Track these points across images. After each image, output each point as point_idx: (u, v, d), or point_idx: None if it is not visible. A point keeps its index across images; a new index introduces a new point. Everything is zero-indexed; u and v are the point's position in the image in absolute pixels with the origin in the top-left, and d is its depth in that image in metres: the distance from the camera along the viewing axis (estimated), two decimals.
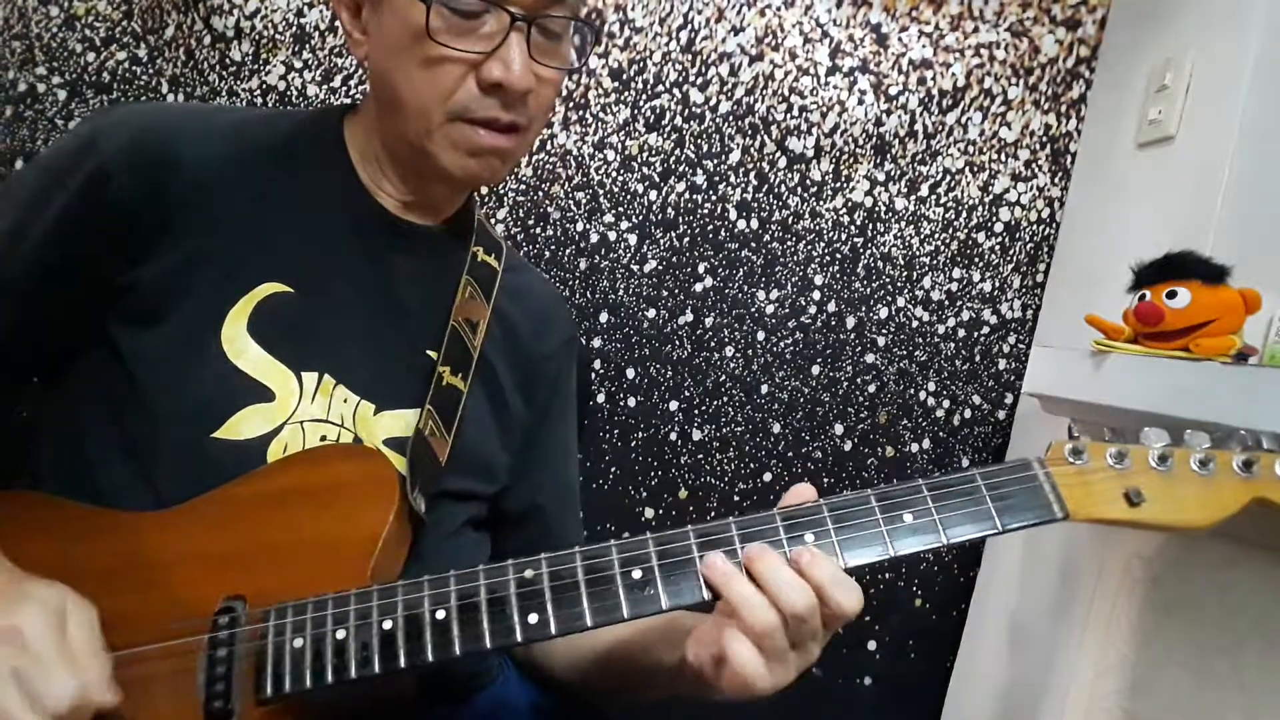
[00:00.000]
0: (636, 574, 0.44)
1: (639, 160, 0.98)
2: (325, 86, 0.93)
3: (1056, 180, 1.02)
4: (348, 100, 0.94)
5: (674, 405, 1.00)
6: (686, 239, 0.99)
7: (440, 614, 0.44)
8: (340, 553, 0.48)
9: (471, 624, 0.44)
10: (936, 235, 1.02)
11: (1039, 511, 0.45)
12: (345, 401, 0.54)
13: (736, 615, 0.42)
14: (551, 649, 0.62)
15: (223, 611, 0.46)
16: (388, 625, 0.44)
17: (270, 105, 0.93)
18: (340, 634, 0.44)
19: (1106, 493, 0.46)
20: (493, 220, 0.98)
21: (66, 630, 0.41)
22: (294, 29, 0.92)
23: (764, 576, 0.42)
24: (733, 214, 1.00)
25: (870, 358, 1.02)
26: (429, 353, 0.58)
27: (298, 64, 0.93)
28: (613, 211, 0.98)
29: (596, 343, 0.98)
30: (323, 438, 0.53)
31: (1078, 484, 0.46)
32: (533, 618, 0.44)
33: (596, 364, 0.98)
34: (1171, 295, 0.70)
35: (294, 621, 0.45)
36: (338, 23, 0.93)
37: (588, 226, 0.98)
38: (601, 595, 0.44)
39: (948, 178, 1.01)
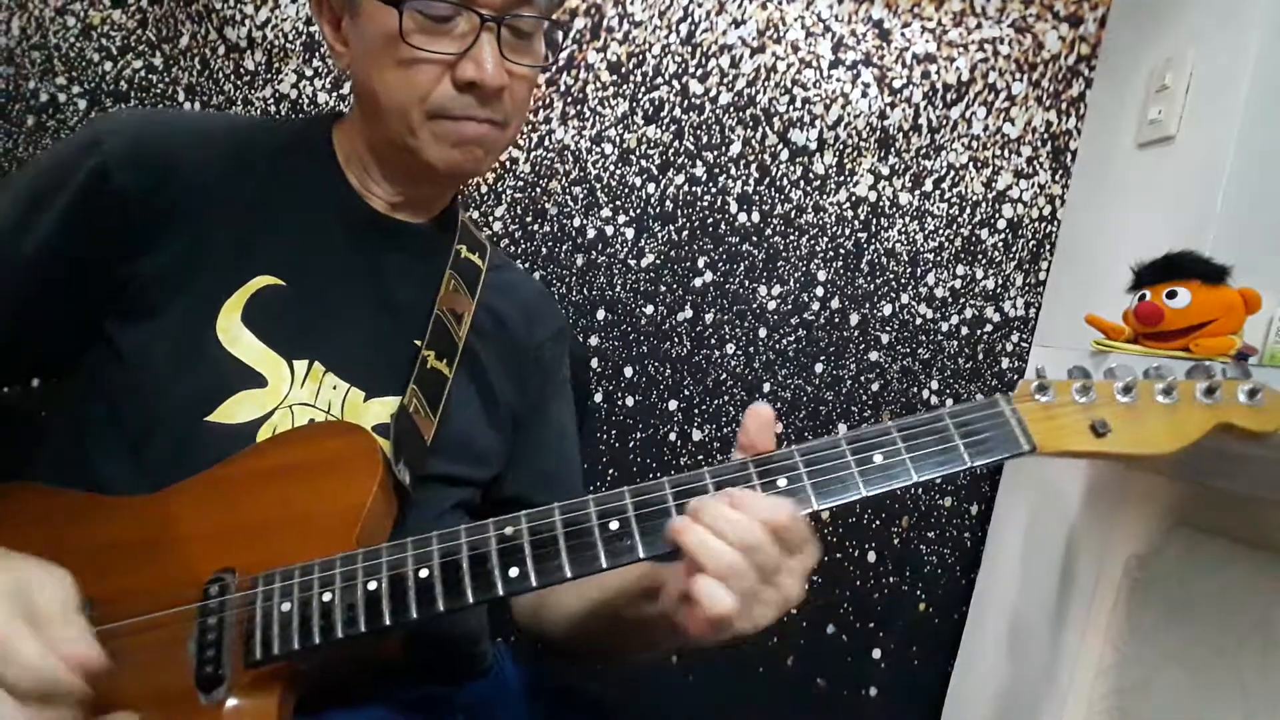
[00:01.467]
0: (614, 525, 0.47)
1: (637, 154, 1.01)
2: (335, 94, 0.99)
3: (1057, 178, 1.04)
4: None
5: (673, 404, 1.04)
6: (685, 232, 1.03)
7: (424, 572, 0.47)
8: (326, 523, 0.51)
9: (454, 581, 0.46)
10: (940, 231, 1.04)
11: (1007, 446, 0.47)
12: (335, 389, 0.58)
13: (699, 561, 0.44)
14: (545, 614, 0.66)
15: (213, 582, 0.49)
16: (373, 586, 0.47)
17: (283, 113, 0.99)
18: (326, 596, 0.47)
19: (1073, 425, 0.48)
20: (490, 217, 1.02)
21: (35, 602, 0.42)
22: (304, 38, 0.98)
23: (710, 522, 0.45)
24: (733, 207, 1.03)
25: (874, 355, 1.04)
26: (416, 342, 0.61)
27: (308, 72, 0.99)
28: (610, 206, 1.02)
29: (594, 340, 1.02)
30: (311, 422, 0.56)
31: (1044, 418, 0.48)
32: (513, 571, 0.46)
33: (594, 362, 1.02)
34: (1171, 295, 0.72)
35: (281, 587, 0.48)
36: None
37: (584, 221, 1.02)
38: (580, 548, 0.47)
39: (951, 172, 1.04)
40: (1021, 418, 0.48)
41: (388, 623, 0.46)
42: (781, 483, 0.47)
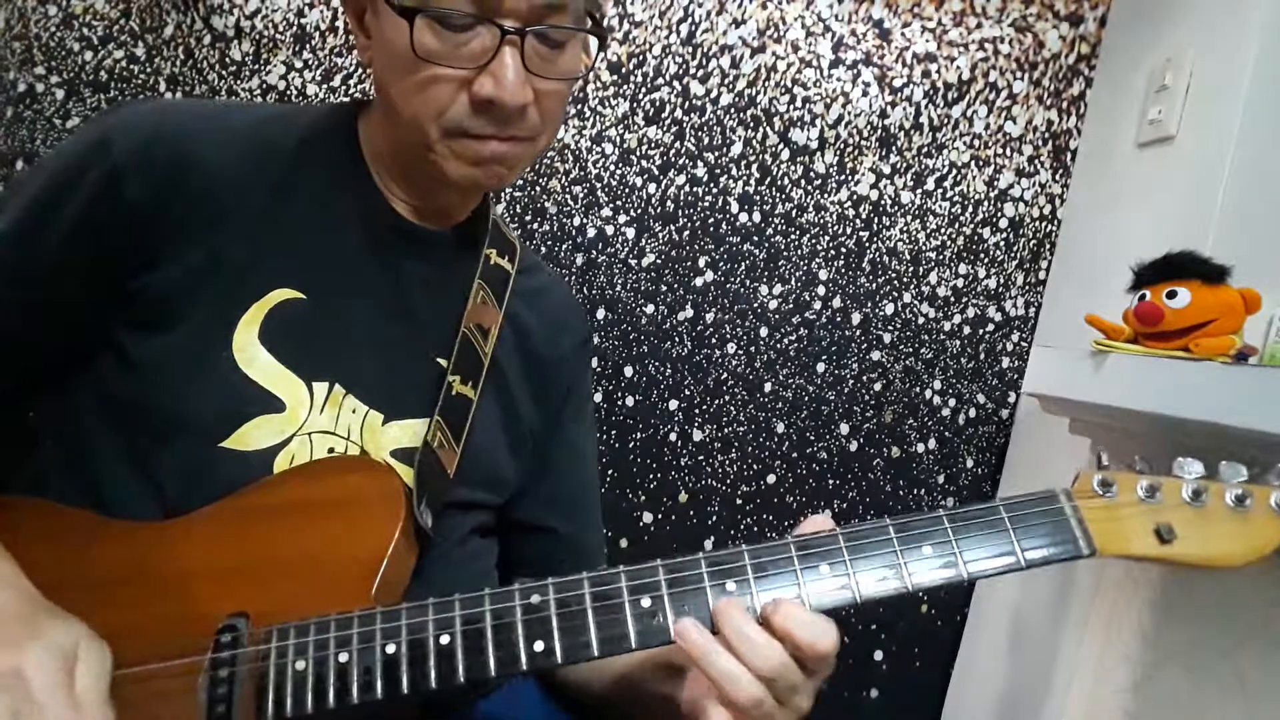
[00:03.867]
0: (645, 602, 0.46)
1: (638, 154, 1.03)
2: (325, 86, 1.00)
3: (1057, 177, 1.07)
4: (350, 99, 1.00)
5: (674, 404, 1.05)
6: (686, 232, 1.04)
7: (445, 639, 0.46)
8: (345, 569, 0.50)
9: (476, 650, 0.46)
10: (942, 230, 1.06)
11: (1065, 548, 0.46)
12: (354, 412, 0.56)
13: (720, 690, 0.43)
14: (560, 674, 0.65)
15: (225, 630, 0.48)
16: (391, 649, 0.46)
17: (270, 105, 0.98)
18: (343, 657, 0.46)
19: (1136, 529, 0.47)
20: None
21: (74, 676, 0.43)
22: (294, 29, 0.98)
23: (731, 638, 0.44)
24: (734, 207, 1.04)
25: (876, 355, 1.07)
26: (439, 360, 0.60)
27: (298, 64, 0.99)
28: (610, 205, 1.03)
29: (594, 340, 1.03)
30: (330, 450, 0.55)
31: (1106, 519, 0.47)
32: (538, 645, 0.46)
33: (594, 362, 1.03)
34: (1171, 295, 0.74)
35: (296, 643, 0.47)
36: (338, 23, 0.99)
37: (585, 221, 1.03)
38: (609, 624, 0.46)
39: (953, 171, 1.06)
40: (1082, 517, 0.47)
41: (404, 690, 0.46)
42: (823, 569, 0.46)
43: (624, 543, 1.06)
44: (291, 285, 0.57)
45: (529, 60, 0.52)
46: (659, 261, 1.04)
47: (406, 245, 0.61)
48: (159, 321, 0.55)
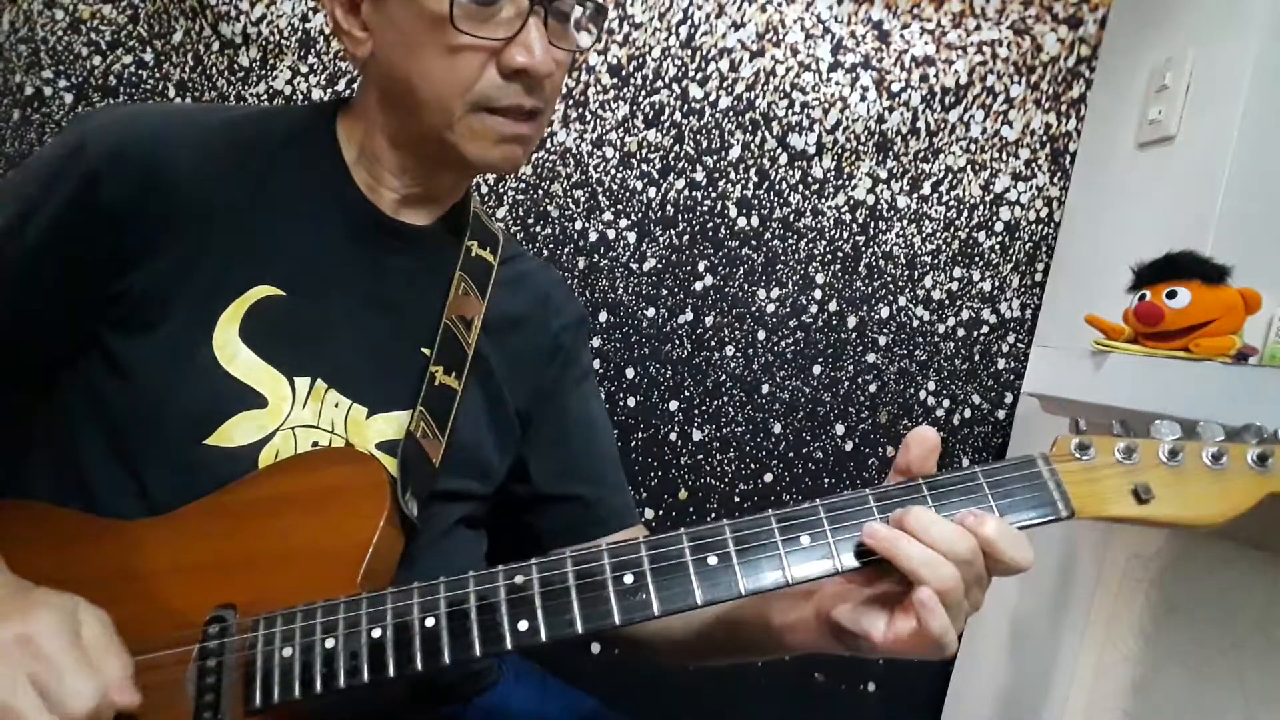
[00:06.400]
0: (628, 579, 0.45)
1: (638, 157, 1.00)
2: (330, 90, 0.96)
3: (1056, 180, 1.03)
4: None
5: (674, 405, 1.02)
6: (686, 237, 1.01)
7: (430, 622, 0.45)
8: (331, 560, 0.49)
9: (461, 632, 0.45)
10: (938, 234, 1.03)
11: (1043, 510, 0.45)
12: (336, 406, 0.55)
13: (917, 578, 0.42)
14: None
15: (212, 621, 0.47)
16: (377, 634, 0.45)
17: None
18: (329, 643, 0.45)
19: (1114, 489, 0.45)
20: (492, 219, 0.99)
21: (81, 634, 0.42)
22: (299, 34, 0.95)
23: (920, 532, 0.42)
24: (733, 211, 1.01)
25: (871, 357, 1.03)
26: (423, 350, 0.58)
27: (303, 69, 0.96)
28: (612, 209, 1.00)
29: (596, 342, 1.00)
30: (314, 444, 0.54)
31: (1084, 481, 0.45)
32: (523, 624, 0.45)
33: (596, 364, 1.00)
34: (1171, 295, 0.71)
35: (283, 631, 0.46)
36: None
37: (587, 225, 1.00)
38: (592, 601, 0.45)
39: (949, 176, 1.03)
40: (1060, 480, 0.45)
41: (391, 674, 0.44)
42: (805, 540, 0.45)
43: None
44: (271, 283, 0.54)
45: (549, 30, 0.52)
46: (659, 266, 1.01)
47: (388, 240, 0.59)
48: (141, 322, 0.52)
